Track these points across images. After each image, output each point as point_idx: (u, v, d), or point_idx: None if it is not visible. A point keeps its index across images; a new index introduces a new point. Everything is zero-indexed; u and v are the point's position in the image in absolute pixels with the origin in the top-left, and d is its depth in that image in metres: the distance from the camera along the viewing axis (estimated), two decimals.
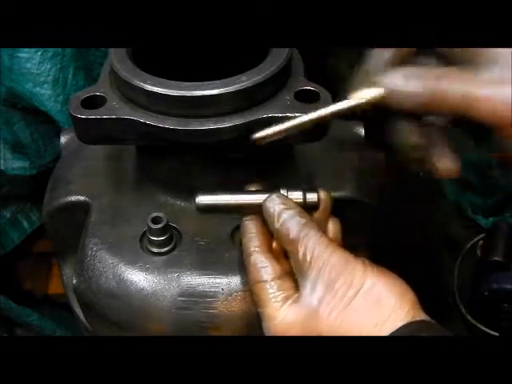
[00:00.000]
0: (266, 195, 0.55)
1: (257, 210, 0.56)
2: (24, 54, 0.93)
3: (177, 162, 0.63)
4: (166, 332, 0.59)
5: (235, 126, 0.57)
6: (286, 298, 0.53)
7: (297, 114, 0.56)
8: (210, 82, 0.57)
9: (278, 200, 0.55)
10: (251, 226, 0.56)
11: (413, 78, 0.52)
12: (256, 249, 0.55)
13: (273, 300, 0.53)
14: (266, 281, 0.53)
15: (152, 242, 0.60)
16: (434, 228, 1.36)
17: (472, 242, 1.39)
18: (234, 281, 0.58)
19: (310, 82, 0.61)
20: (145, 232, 0.61)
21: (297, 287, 0.54)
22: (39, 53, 0.93)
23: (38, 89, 0.96)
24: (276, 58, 0.60)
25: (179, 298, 0.58)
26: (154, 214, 0.59)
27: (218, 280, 0.58)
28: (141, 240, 0.62)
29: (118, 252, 0.61)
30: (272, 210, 0.54)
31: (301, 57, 0.65)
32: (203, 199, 0.57)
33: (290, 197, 0.56)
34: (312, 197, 0.56)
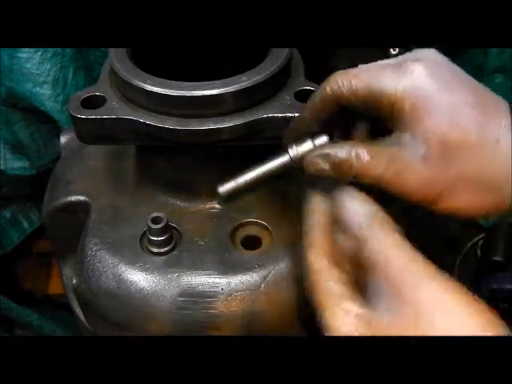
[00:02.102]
0: (285, 157, 0.53)
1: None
2: (24, 54, 0.93)
3: (177, 162, 0.63)
4: (165, 332, 0.59)
5: (235, 126, 0.57)
6: (354, 311, 0.48)
7: (296, 114, 0.57)
8: (210, 82, 0.57)
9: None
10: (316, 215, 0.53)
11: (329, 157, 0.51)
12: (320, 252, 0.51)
13: (337, 309, 0.48)
14: (334, 293, 0.49)
15: (152, 242, 0.60)
16: (433, 228, 1.36)
17: (472, 242, 1.39)
18: (234, 281, 0.58)
19: (310, 82, 0.61)
20: (145, 232, 0.61)
21: (361, 292, 0.49)
22: (39, 53, 0.93)
23: (37, 89, 0.96)
24: (276, 58, 0.60)
25: (179, 298, 0.58)
26: (154, 214, 0.59)
27: (217, 280, 0.58)
28: (141, 240, 0.62)
29: (118, 252, 0.61)
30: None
31: (301, 57, 0.65)
32: (225, 187, 0.55)
33: (299, 149, 0.53)
34: (321, 140, 0.53)
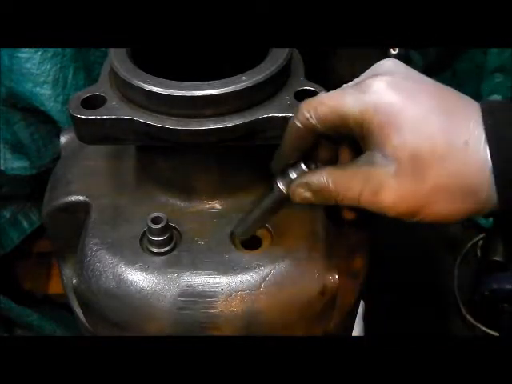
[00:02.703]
0: (277, 192, 0.55)
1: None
2: (24, 54, 0.93)
3: (177, 162, 0.63)
4: (165, 332, 0.59)
5: (235, 126, 0.57)
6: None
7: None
8: (209, 82, 0.57)
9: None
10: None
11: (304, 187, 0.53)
12: None
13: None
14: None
15: (152, 242, 0.60)
16: (434, 228, 1.37)
17: (472, 242, 1.40)
18: (234, 281, 0.58)
19: (310, 82, 0.61)
20: (145, 232, 0.61)
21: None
22: (39, 53, 0.93)
23: (38, 89, 0.96)
24: (276, 58, 0.60)
25: (179, 298, 0.58)
26: (154, 214, 0.59)
27: (217, 280, 0.58)
28: (141, 240, 0.61)
29: (118, 252, 0.61)
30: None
31: (301, 57, 0.65)
32: (239, 231, 0.61)
33: (284, 182, 0.55)
34: (299, 170, 0.54)
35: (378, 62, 0.53)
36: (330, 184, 0.51)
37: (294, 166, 0.54)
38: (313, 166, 0.54)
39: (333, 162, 0.55)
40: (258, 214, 0.58)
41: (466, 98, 0.50)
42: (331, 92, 0.52)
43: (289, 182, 0.54)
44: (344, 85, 0.53)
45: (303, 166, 0.54)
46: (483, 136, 0.46)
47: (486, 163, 0.46)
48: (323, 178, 0.52)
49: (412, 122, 0.47)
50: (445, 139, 0.47)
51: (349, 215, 0.58)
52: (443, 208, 0.48)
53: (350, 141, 0.53)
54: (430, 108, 0.48)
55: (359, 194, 0.50)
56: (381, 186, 0.49)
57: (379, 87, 0.49)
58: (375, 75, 0.50)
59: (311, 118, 0.51)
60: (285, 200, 0.55)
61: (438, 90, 0.50)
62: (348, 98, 0.50)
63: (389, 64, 0.52)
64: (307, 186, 0.52)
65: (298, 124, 0.52)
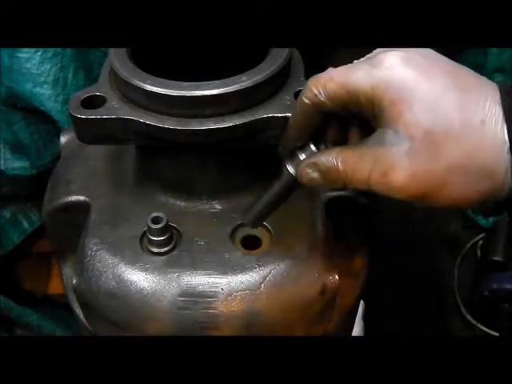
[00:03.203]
0: (286, 176, 0.54)
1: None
2: (24, 54, 0.93)
3: (177, 162, 0.63)
4: (165, 332, 0.59)
5: (235, 126, 0.57)
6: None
7: None
8: (209, 82, 0.57)
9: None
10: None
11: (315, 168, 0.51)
12: None
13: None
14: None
15: (152, 242, 0.60)
16: (433, 228, 1.37)
17: (472, 242, 1.39)
18: (234, 281, 0.58)
19: None
20: (145, 232, 0.61)
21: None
22: (39, 53, 0.93)
23: (38, 89, 0.96)
24: (276, 58, 0.60)
25: (179, 298, 0.58)
26: (154, 214, 0.59)
27: (217, 280, 0.58)
28: (141, 240, 0.62)
29: (118, 252, 0.61)
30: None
31: (301, 57, 0.65)
32: (248, 217, 0.58)
33: (293, 165, 0.54)
34: (308, 151, 0.53)
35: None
36: (339, 164, 0.49)
37: (303, 147, 0.53)
38: (322, 146, 0.52)
39: (343, 142, 0.53)
40: (268, 199, 0.56)
41: (483, 78, 0.48)
42: (341, 67, 0.50)
43: (298, 164, 0.53)
44: (355, 61, 0.51)
45: (312, 146, 0.52)
46: (501, 115, 0.45)
47: (504, 143, 0.45)
48: (332, 158, 0.50)
49: (426, 99, 0.46)
50: (461, 117, 0.45)
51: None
52: (458, 189, 0.46)
53: (360, 120, 0.51)
54: (446, 85, 0.46)
55: (368, 175, 0.48)
56: (391, 165, 0.47)
57: (392, 62, 0.47)
58: (388, 50, 0.48)
59: (320, 94, 0.49)
60: (294, 183, 0.54)
61: (455, 68, 0.48)
62: (358, 73, 0.48)
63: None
64: (315, 166, 0.51)
65: (306, 101, 0.50)
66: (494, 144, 0.45)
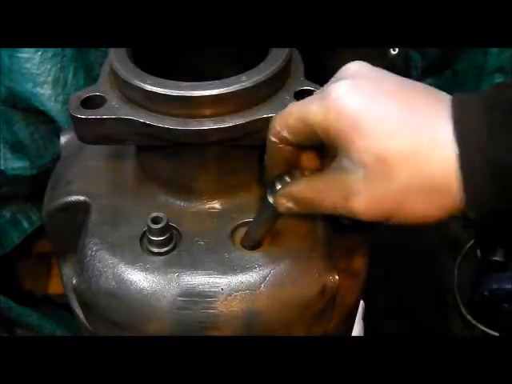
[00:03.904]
0: (270, 207, 0.56)
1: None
2: (24, 54, 0.93)
3: (177, 162, 0.63)
4: (165, 332, 0.59)
5: (235, 126, 0.57)
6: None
7: None
8: (209, 82, 0.57)
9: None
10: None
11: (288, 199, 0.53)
12: None
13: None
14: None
15: (152, 242, 0.60)
16: (433, 228, 1.37)
17: (472, 242, 1.39)
18: (234, 281, 0.58)
19: (310, 82, 0.61)
20: (145, 232, 0.61)
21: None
22: (39, 53, 0.93)
23: (38, 89, 0.96)
24: (276, 58, 0.60)
25: (179, 298, 0.58)
26: (154, 214, 0.59)
27: (217, 280, 0.58)
28: (141, 240, 0.61)
29: (118, 252, 0.61)
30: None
31: (301, 57, 0.65)
32: (246, 243, 0.61)
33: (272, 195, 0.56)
34: (283, 181, 0.55)
35: (344, 66, 0.52)
36: (309, 193, 0.52)
37: (280, 177, 0.55)
38: (298, 174, 0.54)
39: (319, 169, 0.55)
40: (259, 228, 0.59)
41: (436, 92, 0.49)
42: (299, 101, 0.52)
43: (276, 194, 0.55)
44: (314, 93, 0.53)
45: (287, 177, 0.54)
46: (451, 132, 0.45)
47: (453, 161, 0.44)
48: (302, 187, 0.52)
49: (374, 124, 0.46)
50: (409, 138, 0.46)
51: (345, 221, 0.58)
52: (416, 208, 0.47)
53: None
54: (391, 107, 0.47)
55: (334, 202, 0.50)
56: (351, 191, 0.48)
57: (339, 92, 0.48)
58: (337, 80, 0.50)
59: (282, 130, 0.52)
60: (277, 211, 0.56)
61: (403, 88, 0.49)
62: (312, 106, 0.49)
63: (353, 67, 0.51)
64: (289, 196, 0.53)
65: (273, 139, 0.53)
66: (446, 160, 0.45)
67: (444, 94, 0.48)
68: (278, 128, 0.52)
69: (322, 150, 0.53)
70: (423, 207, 0.47)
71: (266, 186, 0.57)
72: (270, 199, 0.55)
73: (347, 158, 0.48)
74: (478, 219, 0.46)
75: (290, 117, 0.51)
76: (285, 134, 0.52)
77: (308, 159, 0.55)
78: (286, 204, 0.53)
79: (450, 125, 0.45)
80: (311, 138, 0.50)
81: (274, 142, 0.53)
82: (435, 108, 0.46)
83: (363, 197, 0.48)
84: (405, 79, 0.50)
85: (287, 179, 0.54)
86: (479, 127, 0.44)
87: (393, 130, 0.46)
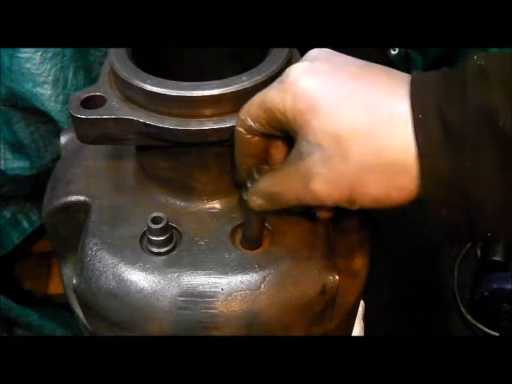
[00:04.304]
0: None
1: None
2: (24, 54, 0.93)
3: (177, 162, 0.63)
4: (165, 332, 0.59)
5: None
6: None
7: None
8: (209, 82, 0.57)
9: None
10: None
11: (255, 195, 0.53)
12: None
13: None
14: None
15: (152, 242, 0.60)
16: (433, 228, 1.37)
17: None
18: (234, 281, 0.58)
19: None
20: (145, 232, 0.61)
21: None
22: (39, 53, 0.93)
23: (38, 89, 0.96)
24: (276, 58, 0.60)
25: (179, 298, 0.58)
26: (154, 214, 0.59)
27: (217, 280, 0.58)
28: (141, 240, 0.61)
29: (118, 252, 0.61)
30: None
31: (301, 57, 0.65)
32: (250, 246, 0.60)
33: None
34: (253, 177, 0.55)
35: (307, 52, 0.52)
36: (274, 187, 0.51)
37: (250, 175, 0.54)
38: (266, 169, 0.54)
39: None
40: (251, 227, 0.59)
41: (397, 73, 0.48)
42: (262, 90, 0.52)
43: None
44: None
45: (254, 173, 0.54)
46: (407, 109, 0.44)
47: (410, 138, 0.43)
48: (268, 181, 0.52)
49: (330, 104, 0.45)
50: (366, 115, 0.45)
51: (323, 214, 0.56)
52: (375, 189, 0.46)
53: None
54: (349, 88, 0.46)
55: (296, 190, 0.49)
56: (310, 176, 0.47)
57: (295, 74, 0.48)
58: (295, 65, 0.49)
59: (246, 119, 0.51)
60: (255, 211, 0.56)
61: (362, 70, 0.48)
62: (270, 91, 0.49)
63: (313, 52, 0.51)
64: (259, 192, 0.53)
65: (239, 129, 0.53)
66: (405, 138, 0.44)
67: (405, 74, 0.47)
68: (243, 117, 0.52)
69: (290, 139, 0.52)
70: (380, 187, 0.46)
71: (241, 185, 0.57)
72: (245, 197, 0.55)
73: (305, 141, 0.47)
74: (431, 195, 0.44)
75: (252, 104, 0.51)
76: (249, 122, 0.51)
77: (276, 150, 0.54)
78: (257, 201, 0.53)
79: (407, 102, 0.44)
80: (273, 124, 0.50)
81: (241, 133, 0.52)
82: (394, 87, 0.46)
83: (322, 179, 0.46)
84: (366, 62, 0.49)
85: (255, 176, 0.53)
86: (434, 100, 0.43)
87: (349, 109, 0.45)
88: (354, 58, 0.50)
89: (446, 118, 0.42)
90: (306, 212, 0.59)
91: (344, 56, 0.50)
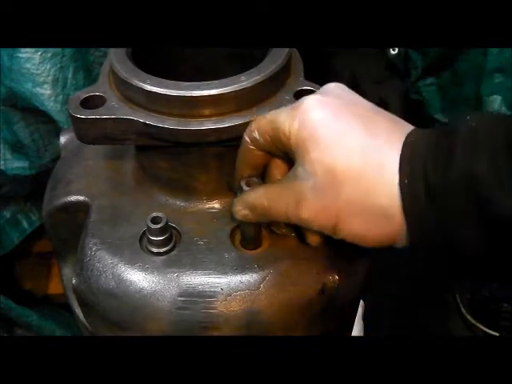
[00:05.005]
0: None
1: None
2: (24, 54, 0.93)
3: (176, 162, 0.63)
4: (165, 332, 0.59)
5: (234, 126, 0.57)
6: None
7: None
8: (209, 82, 0.57)
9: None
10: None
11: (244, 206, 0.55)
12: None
13: None
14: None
15: (151, 242, 0.60)
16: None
17: None
18: (234, 281, 0.58)
19: (310, 82, 0.61)
20: (144, 232, 0.61)
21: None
22: (39, 53, 0.93)
23: (37, 89, 0.96)
24: (276, 58, 0.60)
25: (179, 298, 0.58)
26: (154, 214, 0.59)
27: (217, 280, 0.58)
28: (140, 240, 0.61)
29: (118, 252, 0.61)
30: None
31: (301, 57, 0.65)
32: (248, 244, 0.61)
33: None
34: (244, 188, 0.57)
35: (325, 85, 0.55)
36: (264, 200, 0.53)
37: (239, 185, 0.57)
38: (256, 183, 0.56)
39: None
40: (248, 229, 0.59)
41: (401, 124, 0.50)
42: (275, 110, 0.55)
43: None
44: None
45: (243, 184, 0.56)
46: (397, 160, 0.47)
47: (396, 189, 0.47)
48: (258, 194, 0.54)
49: (331, 138, 0.48)
50: (361, 157, 0.48)
51: (312, 240, 0.58)
52: (357, 226, 0.49)
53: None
54: (352, 126, 0.49)
55: (286, 208, 0.52)
56: (301, 198, 0.50)
57: (308, 104, 0.51)
58: (311, 94, 0.53)
59: (254, 131, 0.54)
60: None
61: (368, 112, 0.51)
62: (282, 113, 0.52)
63: (329, 86, 0.54)
64: (245, 203, 0.55)
65: (246, 138, 0.55)
66: (391, 191, 0.47)
67: (409, 125, 0.50)
68: (252, 127, 0.54)
69: (290, 161, 0.55)
70: (364, 227, 0.49)
71: (235, 191, 0.59)
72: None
73: (302, 167, 0.50)
74: (416, 244, 0.48)
75: (264, 119, 0.54)
76: (255, 134, 0.54)
77: (275, 168, 0.57)
78: (242, 211, 0.55)
79: (397, 156, 0.47)
80: (277, 143, 0.53)
81: (246, 142, 0.55)
82: (392, 138, 0.48)
83: (310, 205, 0.50)
84: (375, 107, 0.52)
85: (244, 187, 0.56)
86: (421, 155, 0.46)
87: (347, 146, 0.48)
88: (365, 101, 0.53)
89: (430, 181, 0.45)
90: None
91: (356, 95, 0.53)
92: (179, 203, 0.65)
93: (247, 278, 0.58)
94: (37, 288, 1.33)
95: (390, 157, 0.47)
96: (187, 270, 0.59)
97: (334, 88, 0.54)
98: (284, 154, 0.54)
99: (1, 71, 0.96)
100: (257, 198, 0.54)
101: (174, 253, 0.60)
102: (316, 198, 0.49)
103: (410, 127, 0.50)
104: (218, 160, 0.62)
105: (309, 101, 0.51)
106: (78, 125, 0.59)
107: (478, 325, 1.31)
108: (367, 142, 0.48)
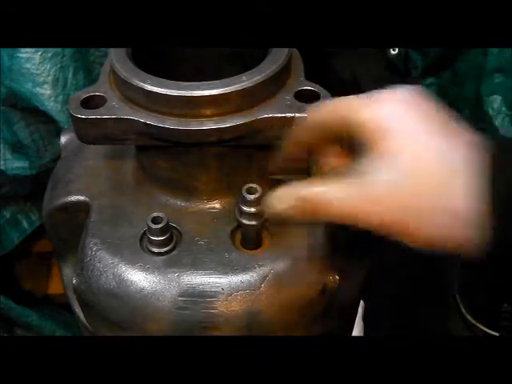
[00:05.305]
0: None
1: None
2: (24, 54, 0.93)
3: (177, 162, 0.63)
4: (165, 332, 0.59)
5: (235, 126, 0.57)
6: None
7: (297, 115, 0.57)
8: (209, 82, 0.57)
9: None
10: None
11: (284, 200, 0.50)
12: None
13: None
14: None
15: (152, 242, 0.60)
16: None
17: None
18: (234, 280, 0.58)
19: (310, 82, 0.61)
20: (145, 232, 0.61)
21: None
22: (39, 53, 0.93)
23: (37, 89, 0.96)
24: (276, 58, 0.60)
25: (179, 298, 0.58)
26: (154, 214, 0.59)
27: (217, 280, 0.58)
28: (141, 240, 0.62)
29: (118, 252, 0.61)
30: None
31: (301, 57, 0.65)
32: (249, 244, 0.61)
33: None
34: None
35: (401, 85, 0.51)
36: (322, 195, 0.48)
37: (239, 204, 0.57)
38: (257, 192, 0.56)
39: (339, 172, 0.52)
40: (249, 231, 0.59)
41: (470, 129, 0.48)
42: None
43: (247, 214, 0.57)
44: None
45: (244, 192, 0.56)
46: (479, 164, 0.44)
47: (482, 195, 0.44)
48: (318, 188, 0.48)
49: (416, 136, 0.46)
50: (446, 171, 0.45)
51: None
52: (432, 229, 0.46)
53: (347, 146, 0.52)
54: (438, 132, 0.46)
55: (355, 206, 0.47)
56: (376, 197, 0.46)
57: (391, 97, 0.48)
58: (392, 89, 0.49)
59: (325, 111, 0.50)
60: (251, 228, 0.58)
61: (449, 122, 0.48)
62: (354, 101, 0.49)
63: (407, 86, 0.50)
64: (294, 195, 0.49)
65: (310, 115, 0.52)
66: (468, 194, 0.44)
67: (484, 145, 0.47)
68: (323, 105, 0.51)
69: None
70: (439, 229, 0.45)
71: (273, 174, 0.57)
72: (245, 221, 0.58)
73: (376, 161, 0.46)
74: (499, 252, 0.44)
75: (332, 105, 0.50)
76: (327, 114, 0.50)
77: (331, 154, 0.53)
78: (280, 205, 0.49)
79: (477, 155, 0.44)
80: (338, 129, 0.49)
81: (314, 119, 0.52)
82: (463, 140, 0.46)
83: (386, 205, 0.45)
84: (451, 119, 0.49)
85: (246, 195, 0.56)
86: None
87: (428, 145, 0.45)
88: (438, 104, 0.50)
89: None
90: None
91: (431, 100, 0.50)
92: (180, 203, 0.65)
93: (248, 278, 0.58)
94: (37, 288, 1.33)
95: (470, 158, 0.44)
96: (188, 270, 0.59)
97: (410, 88, 0.49)
98: (335, 143, 0.51)
99: (1, 71, 0.96)
100: (315, 193, 0.48)
101: (174, 253, 0.60)
102: (392, 199, 0.45)
103: (485, 145, 0.47)
104: (218, 160, 0.62)
105: (392, 95, 0.48)
106: (78, 125, 0.59)
107: (478, 325, 1.31)
108: (450, 155, 0.45)
